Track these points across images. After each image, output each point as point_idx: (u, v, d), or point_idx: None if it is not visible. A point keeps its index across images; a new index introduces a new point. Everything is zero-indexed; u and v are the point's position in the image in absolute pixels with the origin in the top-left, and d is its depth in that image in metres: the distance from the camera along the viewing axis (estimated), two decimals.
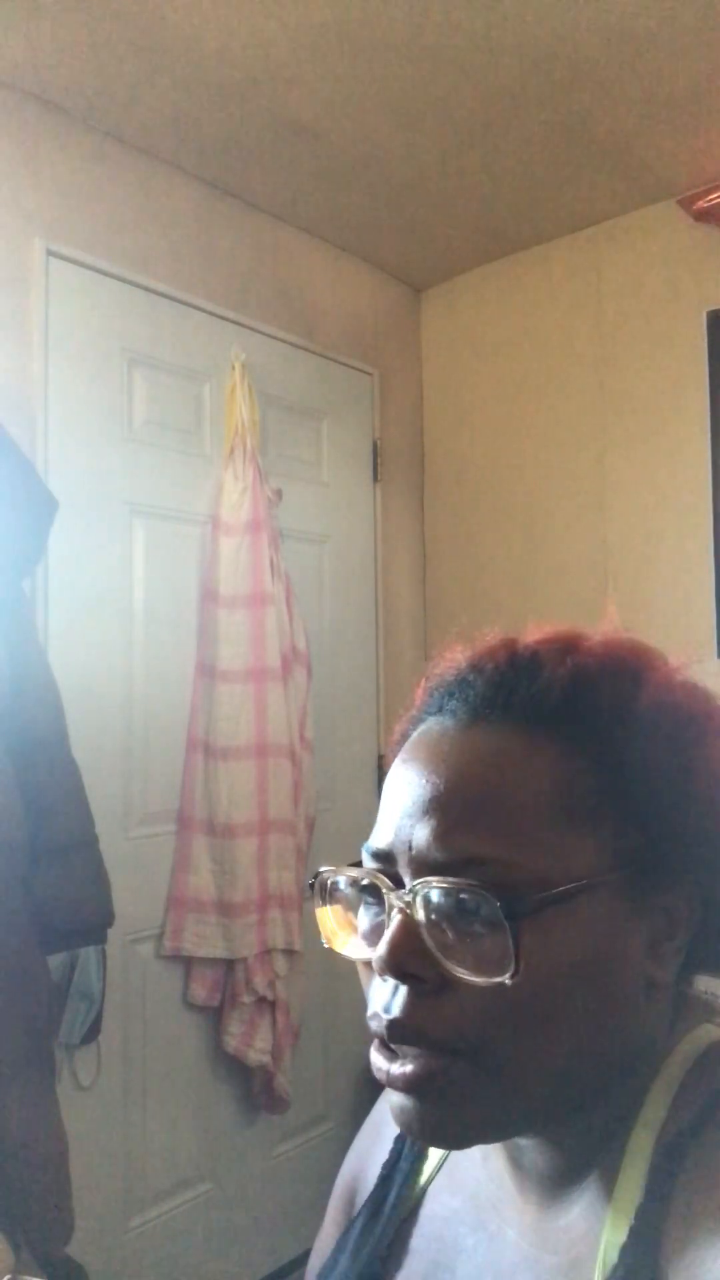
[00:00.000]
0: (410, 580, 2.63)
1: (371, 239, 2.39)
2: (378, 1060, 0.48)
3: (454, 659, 0.55)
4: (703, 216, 2.09)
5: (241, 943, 1.92)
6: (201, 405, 2.07)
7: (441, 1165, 0.60)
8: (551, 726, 0.48)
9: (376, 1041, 0.48)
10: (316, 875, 0.53)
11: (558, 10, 1.57)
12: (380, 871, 0.49)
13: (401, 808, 0.49)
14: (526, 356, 2.45)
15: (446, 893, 0.46)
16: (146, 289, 1.97)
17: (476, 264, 2.53)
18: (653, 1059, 0.50)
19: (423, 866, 0.47)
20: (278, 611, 2.04)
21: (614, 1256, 0.45)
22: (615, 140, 1.96)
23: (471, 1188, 0.57)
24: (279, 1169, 2.14)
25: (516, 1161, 0.53)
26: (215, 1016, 1.99)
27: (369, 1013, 0.49)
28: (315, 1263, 0.69)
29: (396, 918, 0.46)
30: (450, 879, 0.45)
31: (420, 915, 0.46)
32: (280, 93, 1.79)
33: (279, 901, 1.99)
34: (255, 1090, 2.02)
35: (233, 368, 2.09)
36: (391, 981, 0.47)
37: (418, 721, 0.54)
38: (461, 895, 0.45)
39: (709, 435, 2.11)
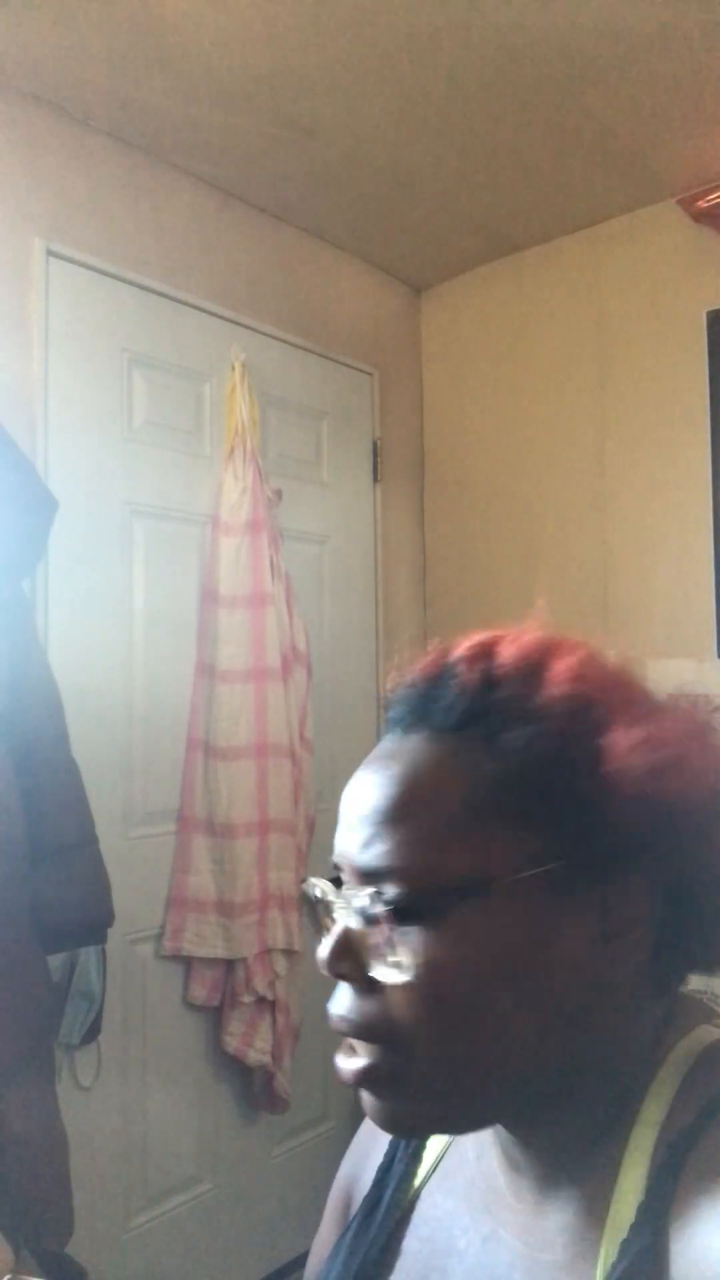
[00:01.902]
0: (410, 580, 2.63)
1: (371, 239, 2.39)
2: (338, 1060, 0.52)
3: (404, 672, 0.58)
4: (703, 217, 2.09)
5: (241, 943, 1.92)
6: (201, 405, 2.07)
7: (436, 1166, 0.60)
8: (462, 734, 0.51)
9: (342, 1042, 0.52)
10: (303, 883, 0.57)
11: (558, 10, 1.57)
12: (336, 880, 0.53)
13: (344, 820, 0.53)
14: (526, 356, 2.45)
15: (364, 899, 0.50)
16: (146, 289, 1.97)
17: (476, 264, 2.53)
18: (645, 1059, 0.51)
19: (354, 875, 0.51)
20: (278, 611, 2.04)
21: (615, 1253, 0.45)
22: (615, 140, 1.96)
23: (465, 1188, 0.57)
24: (279, 1169, 2.14)
25: (510, 1161, 0.54)
26: (215, 1016, 1.99)
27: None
28: (313, 1265, 0.69)
29: (338, 923, 0.51)
30: (364, 886, 0.50)
31: (351, 921, 0.50)
32: (280, 93, 1.79)
33: (279, 901, 1.99)
34: (255, 1090, 2.02)
35: (233, 368, 2.09)
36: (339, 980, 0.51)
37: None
38: (373, 902, 0.49)
39: (709, 435, 2.11)
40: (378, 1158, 0.64)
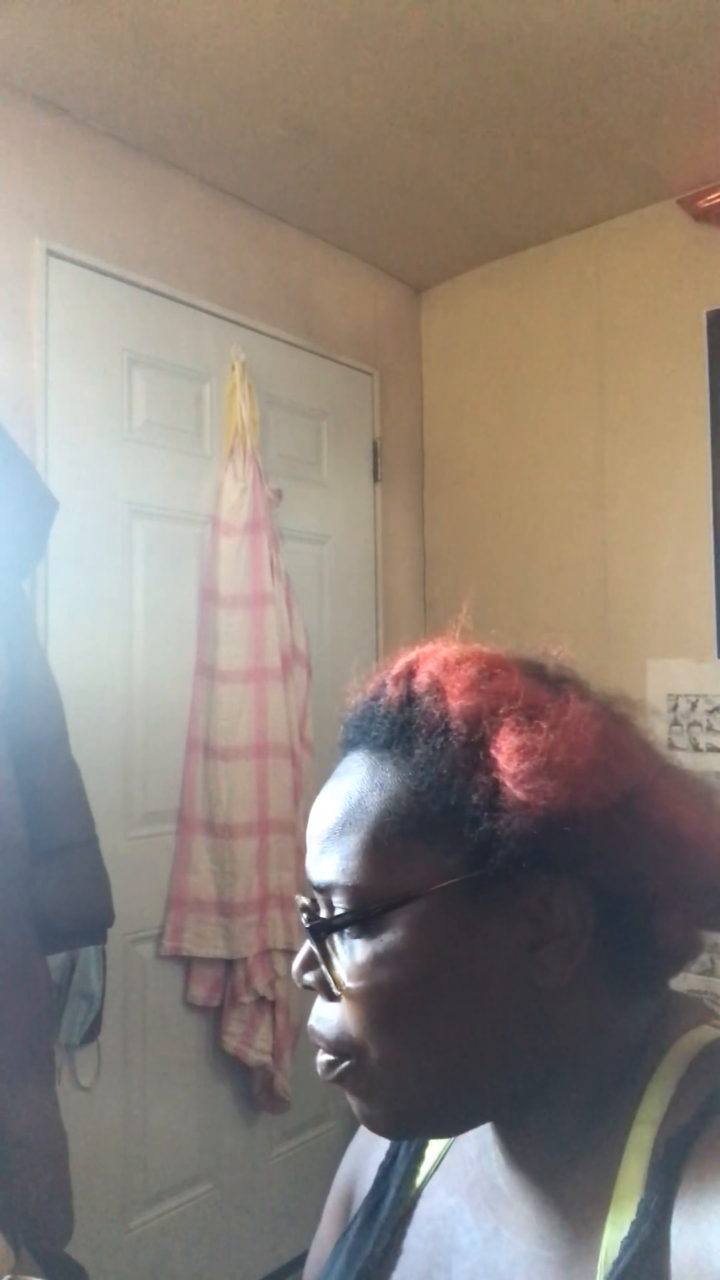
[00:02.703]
0: (410, 580, 2.63)
1: (371, 239, 2.39)
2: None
3: (358, 691, 0.60)
4: (703, 216, 2.09)
5: (241, 943, 1.92)
6: (201, 405, 2.07)
7: (438, 1164, 0.60)
8: (385, 751, 0.53)
9: None
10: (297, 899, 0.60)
11: (558, 10, 1.57)
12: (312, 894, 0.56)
13: (307, 837, 0.56)
14: (526, 356, 2.45)
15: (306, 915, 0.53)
16: (146, 289, 1.97)
17: (476, 264, 2.53)
18: (637, 1058, 0.51)
19: (312, 890, 0.55)
20: (278, 611, 2.04)
21: (616, 1250, 0.46)
22: (615, 140, 1.96)
23: (467, 1186, 0.57)
24: (279, 1169, 2.14)
25: (509, 1160, 0.54)
26: (215, 1016, 1.99)
27: None
28: (313, 1261, 0.69)
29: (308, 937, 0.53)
30: (307, 903, 0.54)
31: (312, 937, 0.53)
32: (280, 92, 1.79)
33: (279, 901, 1.99)
34: (255, 1090, 2.02)
35: (233, 368, 2.09)
36: None
37: None
38: (310, 918, 0.52)
39: (709, 435, 2.11)
40: (379, 1156, 0.64)
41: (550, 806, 0.47)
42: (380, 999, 0.49)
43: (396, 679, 0.55)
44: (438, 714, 0.51)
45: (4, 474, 1.56)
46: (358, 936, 0.50)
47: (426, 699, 0.53)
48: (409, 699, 0.53)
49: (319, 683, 2.22)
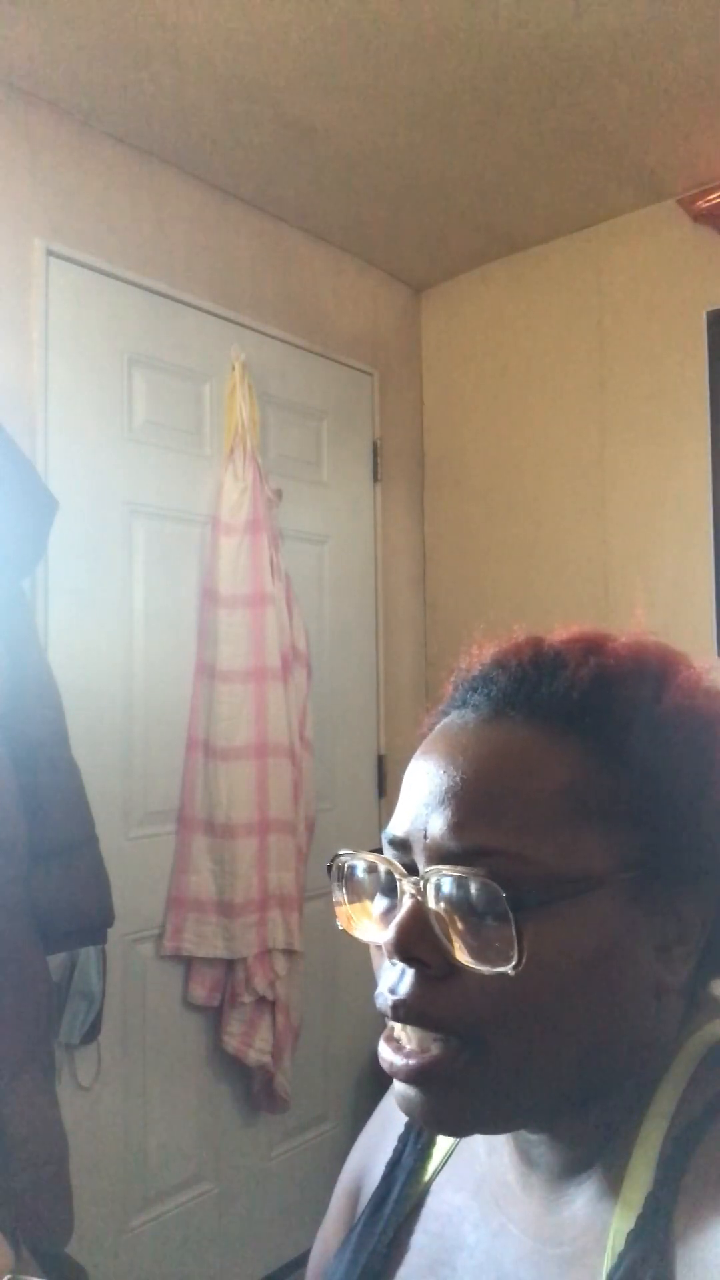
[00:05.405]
0: (410, 580, 2.63)
1: (372, 239, 2.39)
2: (384, 1052, 0.49)
3: (480, 654, 0.56)
4: (703, 217, 2.09)
5: (241, 943, 1.92)
6: (201, 405, 2.07)
7: (446, 1162, 0.60)
8: (570, 725, 0.49)
9: (385, 1033, 0.50)
10: (335, 857, 0.54)
11: (558, 11, 1.58)
12: (396, 858, 0.51)
13: (419, 797, 0.50)
14: (526, 356, 2.45)
15: (457, 882, 0.47)
16: (146, 289, 1.97)
17: (476, 264, 2.53)
18: (662, 1056, 0.51)
19: (436, 855, 0.48)
20: (278, 611, 2.04)
21: (622, 1244, 0.46)
22: (615, 140, 1.96)
23: (475, 1184, 0.57)
24: (279, 1169, 2.14)
25: (524, 1155, 0.54)
26: (215, 1016, 1.99)
27: (377, 991, 0.50)
28: (316, 1255, 0.69)
29: (408, 903, 0.48)
30: (461, 868, 0.47)
31: (430, 902, 0.47)
32: (281, 93, 1.80)
33: (279, 901, 1.99)
34: (255, 1090, 2.02)
35: (233, 368, 2.09)
36: (400, 964, 0.48)
37: (441, 715, 0.56)
38: (471, 885, 0.46)
39: (709, 435, 2.11)
40: (386, 1153, 0.64)
41: None
42: (535, 983, 0.45)
43: (582, 653, 0.52)
44: (658, 706, 0.50)
45: (4, 474, 1.56)
46: (518, 912, 0.45)
47: (635, 684, 0.50)
48: (607, 678, 0.50)
49: (319, 683, 2.22)
